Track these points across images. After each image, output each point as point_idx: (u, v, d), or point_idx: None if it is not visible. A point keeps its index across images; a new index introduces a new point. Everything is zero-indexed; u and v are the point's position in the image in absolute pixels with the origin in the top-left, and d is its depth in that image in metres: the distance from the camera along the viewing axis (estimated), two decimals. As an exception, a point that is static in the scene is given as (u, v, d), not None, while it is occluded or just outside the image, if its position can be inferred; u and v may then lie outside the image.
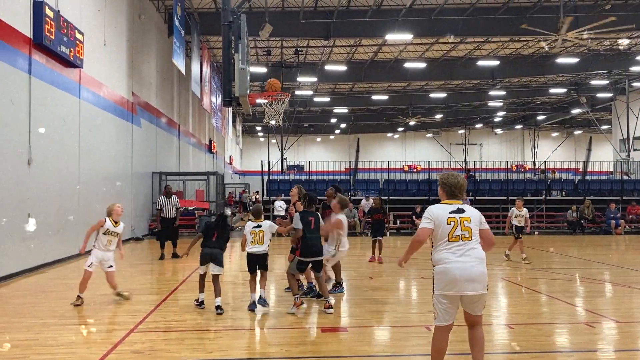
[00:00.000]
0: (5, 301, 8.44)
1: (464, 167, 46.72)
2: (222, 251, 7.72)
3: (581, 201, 23.18)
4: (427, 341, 6.17)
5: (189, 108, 28.47)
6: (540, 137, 55.81)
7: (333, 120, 51.58)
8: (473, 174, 30.96)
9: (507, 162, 27.55)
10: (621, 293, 9.33)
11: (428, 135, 58.39)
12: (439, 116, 46.91)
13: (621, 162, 32.69)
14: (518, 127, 55.60)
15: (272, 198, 23.01)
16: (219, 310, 7.33)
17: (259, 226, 7.58)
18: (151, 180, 20.32)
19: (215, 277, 7.58)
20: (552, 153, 48.52)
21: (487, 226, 4.66)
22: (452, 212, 4.58)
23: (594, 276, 11.13)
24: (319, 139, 60.42)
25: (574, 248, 17.12)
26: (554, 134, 58.78)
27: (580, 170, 46.40)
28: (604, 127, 44.90)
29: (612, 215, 22.23)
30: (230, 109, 36.54)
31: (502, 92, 39.46)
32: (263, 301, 7.70)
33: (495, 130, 58.21)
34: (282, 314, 7.40)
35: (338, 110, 46.32)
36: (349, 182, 27.28)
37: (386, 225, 14.54)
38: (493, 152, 55.07)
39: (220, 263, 7.59)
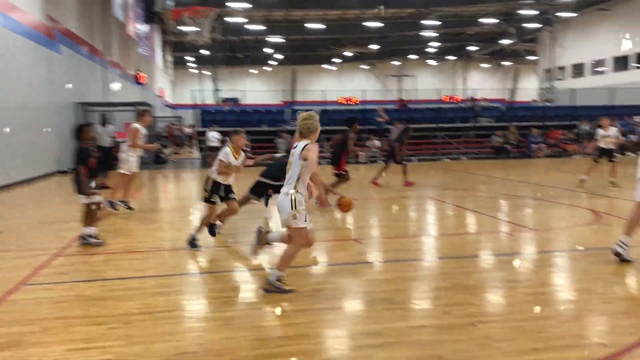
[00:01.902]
0: None
1: (398, 98, 47.26)
2: (76, 175, 6.64)
3: (507, 127, 24.10)
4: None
5: (112, 35, 26.77)
6: (470, 69, 56.87)
7: (269, 51, 50.20)
8: (407, 104, 31.43)
9: (440, 90, 28.01)
10: (541, 207, 9.89)
11: (363, 66, 58.23)
12: (374, 47, 46.66)
13: (544, 91, 34.07)
14: (450, 58, 56.37)
15: (205, 129, 22.49)
16: (81, 240, 6.70)
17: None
18: (75, 111, 19.25)
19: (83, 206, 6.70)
20: (482, 84, 49.82)
21: None
22: None
23: (516, 193, 11.71)
24: (254, 71, 58.93)
25: (498, 170, 17.93)
26: (484, 65, 60.13)
27: (507, 100, 48.09)
28: (531, 57, 46.27)
29: (533, 140, 23.33)
30: (158, 38, 34.77)
31: (437, 22, 39.51)
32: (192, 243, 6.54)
33: (428, 61, 58.81)
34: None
35: (273, 39, 44.98)
36: (285, 113, 26.98)
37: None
38: (426, 84, 55.84)
39: (75, 190, 6.70)
